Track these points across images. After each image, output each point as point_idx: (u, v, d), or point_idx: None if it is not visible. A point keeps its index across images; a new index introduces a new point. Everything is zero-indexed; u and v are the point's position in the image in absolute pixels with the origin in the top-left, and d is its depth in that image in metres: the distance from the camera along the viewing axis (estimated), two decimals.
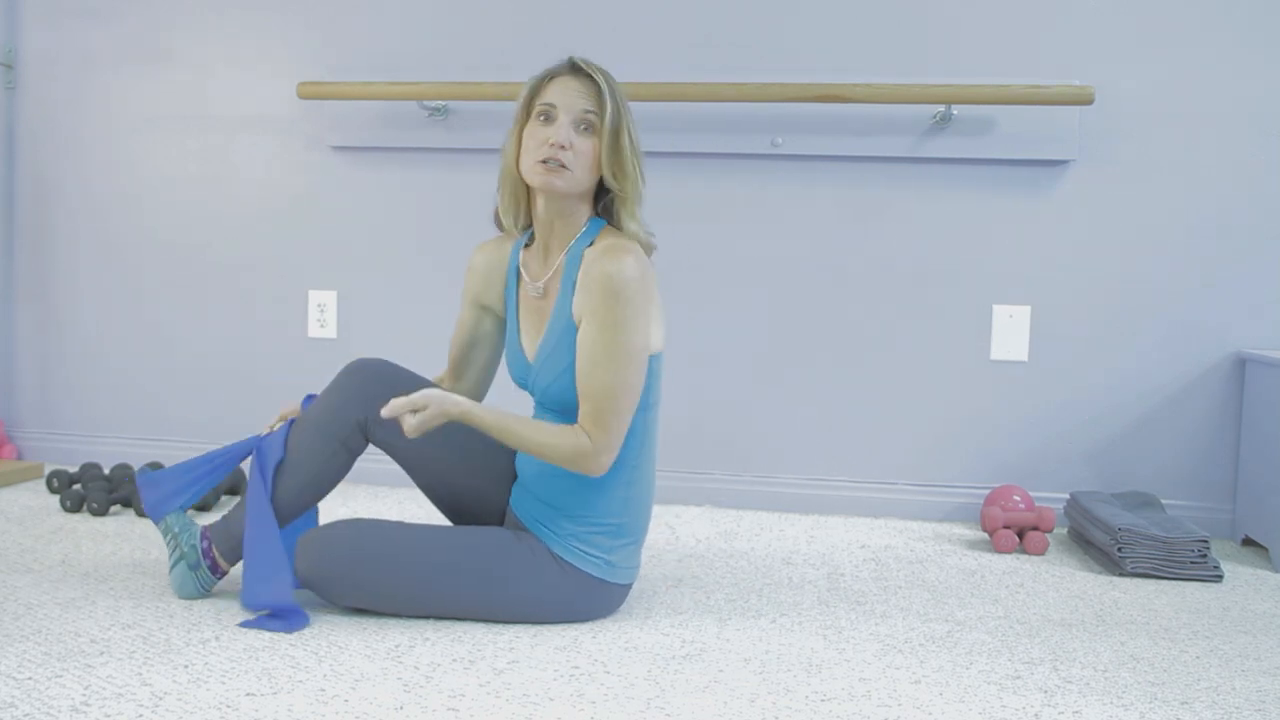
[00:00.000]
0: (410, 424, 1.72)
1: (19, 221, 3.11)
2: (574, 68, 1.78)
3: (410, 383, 1.88)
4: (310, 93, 2.81)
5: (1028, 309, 2.69)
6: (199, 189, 3.01)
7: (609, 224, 1.83)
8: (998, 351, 2.70)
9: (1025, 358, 2.69)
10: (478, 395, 2.02)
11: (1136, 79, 2.63)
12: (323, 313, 2.96)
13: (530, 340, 1.87)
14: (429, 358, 2.50)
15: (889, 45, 2.70)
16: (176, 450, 2.97)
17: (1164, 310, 2.65)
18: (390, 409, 1.72)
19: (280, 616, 1.75)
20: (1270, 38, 2.59)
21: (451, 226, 2.86)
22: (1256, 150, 2.60)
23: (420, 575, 1.76)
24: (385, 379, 1.86)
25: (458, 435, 1.88)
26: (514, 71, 2.80)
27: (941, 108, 2.63)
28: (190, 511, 2.51)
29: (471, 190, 2.86)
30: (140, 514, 2.46)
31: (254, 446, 1.87)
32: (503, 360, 2.00)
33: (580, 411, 1.74)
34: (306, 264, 2.97)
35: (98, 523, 2.41)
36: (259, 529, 1.79)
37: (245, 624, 1.74)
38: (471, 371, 2.01)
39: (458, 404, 1.74)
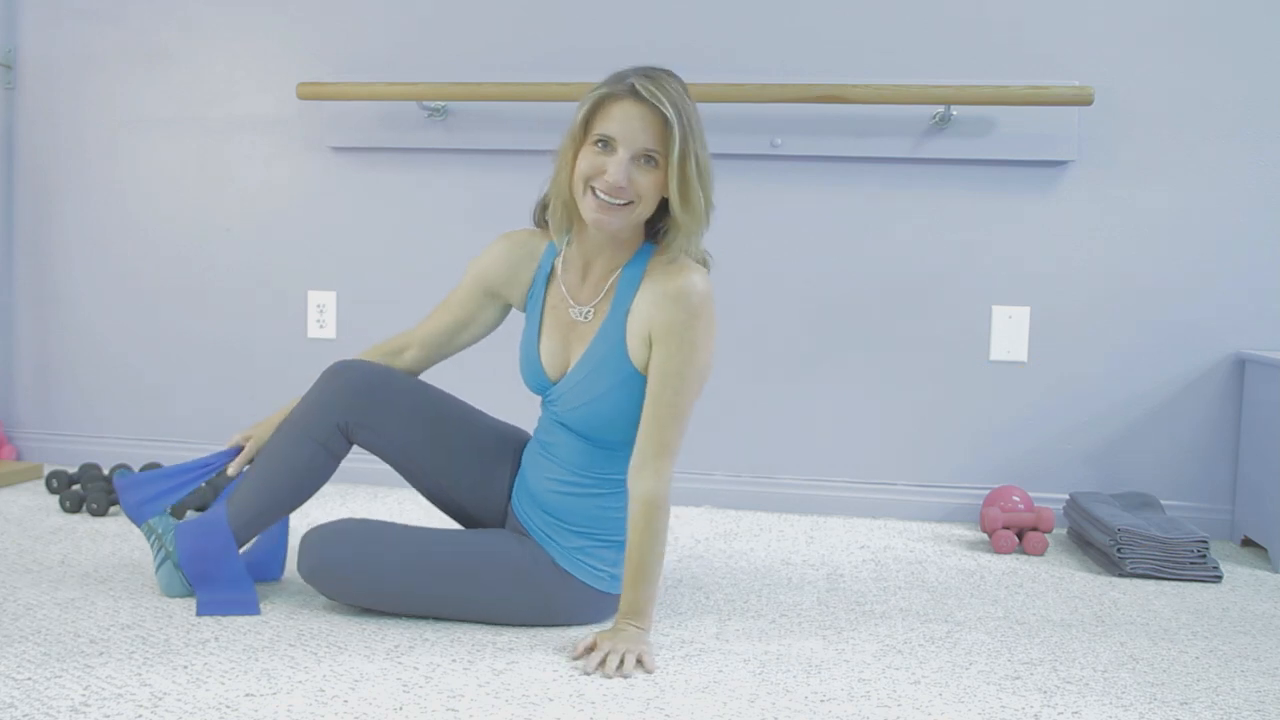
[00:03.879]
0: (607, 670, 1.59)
1: (19, 221, 3.11)
2: (637, 93, 1.61)
3: (392, 384, 1.85)
4: (310, 93, 2.81)
5: (1027, 309, 2.69)
6: (198, 189, 3.01)
7: (658, 245, 1.73)
8: (997, 352, 2.70)
9: (1025, 358, 2.69)
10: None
11: (1136, 79, 2.63)
12: (322, 313, 2.96)
13: (552, 353, 1.80)
14: None
15: (889, 45, 2.70)
16: (176, 450, 2.97)
17: (1164, 310, 2.65)
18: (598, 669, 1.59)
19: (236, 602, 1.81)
20: (1270, 38, 2.58)
21: (451, 227, 2.86)
22: (1256, 150, 2.60)
23: (422, 576, 1.76)
24: (367, 380, 1.83)
25: (446, 436, 1.88)
26: (514, 71, 2.81)
27: (941, 108, 2.63)
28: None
29: (471, 190, 2.86)
30: None
31: (232, 455, 1.92)
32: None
33: (641, 434, 1.68)
34: (306, 264, 2.97)
35: (97, 523, 2.41)
36: (223, 543, 1.82)
37: (202, 611, 1.78)
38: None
39: (638, 619, 1.66)
